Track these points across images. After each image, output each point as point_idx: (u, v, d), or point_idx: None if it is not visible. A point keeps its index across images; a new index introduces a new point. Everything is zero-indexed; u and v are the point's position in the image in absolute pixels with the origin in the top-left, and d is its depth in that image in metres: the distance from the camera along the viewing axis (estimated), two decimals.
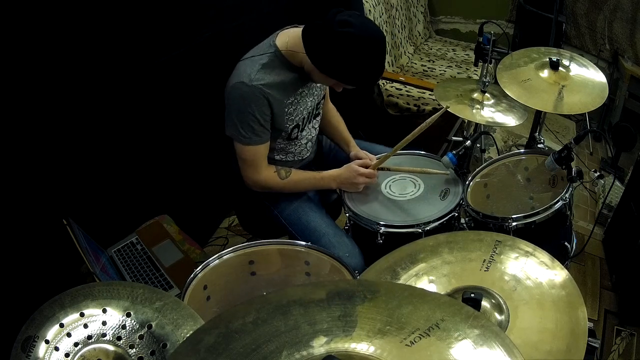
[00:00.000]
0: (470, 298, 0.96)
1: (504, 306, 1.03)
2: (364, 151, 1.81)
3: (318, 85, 1.70)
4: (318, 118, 1.80)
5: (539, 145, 2.31)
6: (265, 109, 1.51)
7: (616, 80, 3.35)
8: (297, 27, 1.59)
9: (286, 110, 1.58)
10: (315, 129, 1.81)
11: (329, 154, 1.95)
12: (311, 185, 1.73)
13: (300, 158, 1.78)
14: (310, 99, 1.68)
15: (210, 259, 1.37)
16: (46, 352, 0.98)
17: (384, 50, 1.48)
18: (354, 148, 1.83)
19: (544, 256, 1.12)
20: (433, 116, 1.64)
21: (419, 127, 1.67)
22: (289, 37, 1.56)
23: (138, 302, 1.06)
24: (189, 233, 1.95)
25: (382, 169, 1.75)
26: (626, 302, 2.15)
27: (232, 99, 1.52)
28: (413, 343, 0.75)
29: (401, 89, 3.00)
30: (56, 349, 0.98)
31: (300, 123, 1.66)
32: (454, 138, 2.66)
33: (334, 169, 1.71)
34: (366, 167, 1.70)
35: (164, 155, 1.99)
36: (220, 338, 0.76)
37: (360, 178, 1.67)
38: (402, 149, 1.73)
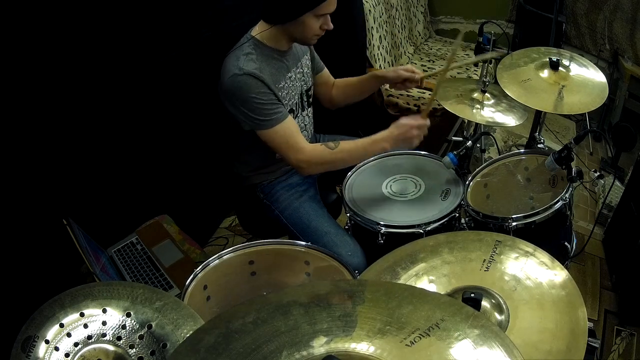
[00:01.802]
0: (470, 298, 0.96)
1: (504, 306, 1.03)
2: (403, 67, 1.74)
3: (306, 70, 1.71)
4: (310, 108, 1.79)
5: (539, 145, 2.31)
6: (265, 89, 1.49)
7: (616, 80, 3.35)
8: None
9: (279, 94, 1.57)
10: (310, 117, 1.81)
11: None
12: (364, 151, 1.60)
13: None
14: (299, 83, 1.69)
15: (210, 259, 1.37)
16: (46, 352, 0.98)
17: None
18: (387, 71, 1.77)
19: (544, 256, 1.12)
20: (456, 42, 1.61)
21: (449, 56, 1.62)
22: (258, 26, 1.58)
23: (138, 302, 1.06)
24: (189, 233, 1.95)
25: (428, 83, 1.69)
26: (626, 302, 2.15)
27: (231, 94, 1.50)
28: (413, 343, 0.75)
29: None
30: (56, 349, 0.99)
31: (294, 108, 1.66)
32: (454, 138, 2.66)
33: (383, 131, 1.58)
34: (414, 80, 1.66)
35: (164, 155, 1.99)
36: (220, 338, 0.76)
37: (414, 131, 1.54)
38: (401, 148, 1.73)
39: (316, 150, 1.56)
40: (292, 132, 1.53)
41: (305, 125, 1.79)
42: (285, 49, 1.59)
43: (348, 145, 1.57)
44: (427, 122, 1.59)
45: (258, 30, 1.57)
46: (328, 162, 1.57)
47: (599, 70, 1.89)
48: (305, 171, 1.58)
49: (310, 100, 1.78)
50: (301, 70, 1.70)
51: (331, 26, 1.53)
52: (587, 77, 1.87)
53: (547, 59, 1.87)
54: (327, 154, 1.55)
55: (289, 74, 1.63)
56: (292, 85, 1.64)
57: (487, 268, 1.12)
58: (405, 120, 1.56)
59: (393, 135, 1.56)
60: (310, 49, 1.76)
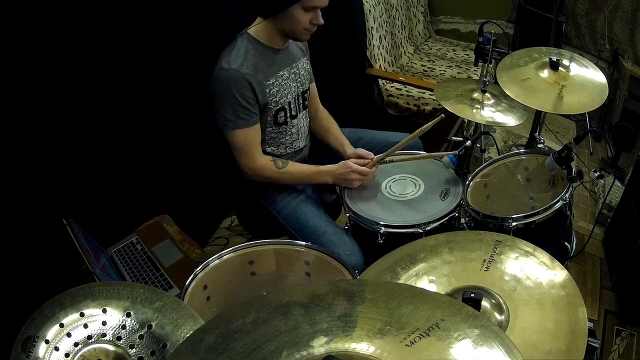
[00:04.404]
0: (470, 298, 0.96)
1: (504, 306, 1.03)
2: (362, 149, 1.80)
3: (302, 72, 1.73)
4: (306, 110, 1.81)
5: (539, 145, 2.31)
6: (247, 90, 1.54)
7: (616, 80, 3.35)
8: None
9: (268, 91, 1.60)
10: (306, 119, 1.82)
11: (327, 152, 1.95)
12: (307, 178, 1.73)
13: (292, 150, 1.78)
14: (294, 84, 1.70)
15: (210, 259, 1.37)
16: (46, 352, 0.98)
17: None
18: (350, 148, 1.83)
19: (544, 256, 1.12)
20: (431, 122, 1.65)
21: (416, 131, 1.68)
22: (255, 24, 1.62)
23: (138, 302, 1.06)
24: (189, 233, 1.95)
25: (384, 161, 1.74)
26: (626, 302, 2.15)
27: (214, 87, 1.56)
28: (413, 343, 0.75)
29: (401, 89, 3.00)
30: (56, 349, 0.99)
31: (286, 107, 1.67)
32: (454, 138, 2.66)
33: (331, 164, 1.72)
34: (363, 165, 1.70)
35: (164, 155, 1.98)
36: (220, 338, 0.76)
37: (353, 175, 1.67)
38: (402, 149, 1.73)
39: (265, 164, 1.65)
40: (252, 140, 1.61)
41: (302, 127, 1.79)
42: (279, 47, 1.62)
43: (294, 169, 1.70)
44: (372, 172, 1.71)
45: (253, 26, 1.60)
46: (272, 178, 1.68)
47: (599, 70, 1.89)
48: (249, 177, 1.68)
49: (306, 103, 1.79)
50: (296, 71, 1.70)
51: (321, 21, 1.56)
52: (587, 77, 1.86)
53: (547, 59, 1.87)
54: (273, 172, 1.66)
55: (281, 72, 1.64)
56: (285, 84, 1.65)
57: (487, 268, 1.12)
58: (350, 164, 1.68)
59: (336, 173, 1.70)
60: (307, 56, 1.79)
